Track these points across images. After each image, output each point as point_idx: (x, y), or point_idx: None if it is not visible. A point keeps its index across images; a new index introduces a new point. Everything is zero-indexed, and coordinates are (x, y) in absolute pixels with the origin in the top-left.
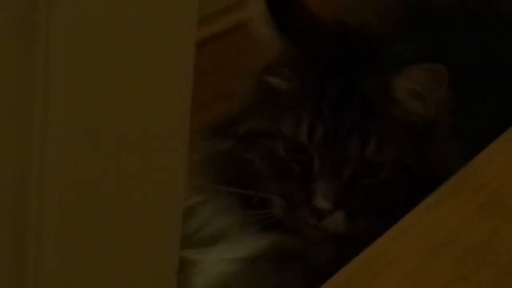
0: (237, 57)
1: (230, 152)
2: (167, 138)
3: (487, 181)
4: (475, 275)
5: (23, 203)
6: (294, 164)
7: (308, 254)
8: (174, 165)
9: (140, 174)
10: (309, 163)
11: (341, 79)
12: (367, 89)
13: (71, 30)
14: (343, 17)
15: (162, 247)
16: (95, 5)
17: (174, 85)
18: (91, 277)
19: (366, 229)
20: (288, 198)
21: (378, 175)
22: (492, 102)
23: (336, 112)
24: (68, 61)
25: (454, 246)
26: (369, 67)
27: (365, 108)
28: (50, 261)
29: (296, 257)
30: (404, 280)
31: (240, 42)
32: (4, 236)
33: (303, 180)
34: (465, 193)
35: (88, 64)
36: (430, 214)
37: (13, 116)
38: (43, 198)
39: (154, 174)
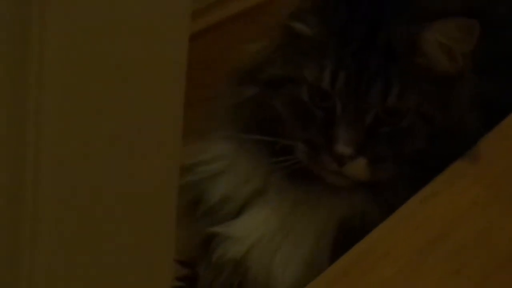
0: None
1: (255, 99)
2: (161, 136)
3: (482, 173)
4: (470, 268)
5: (18, 203)
6: (317, 109)
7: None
8: (167, 163)
9: (134, 172)
10: (332, 109)
11: (365, 25)
12: (392, 37)
13: (64, 24)
14: None
15: (157, 243)
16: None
17: (167, 82)
18: (85, 276)
19: (388, 178)
20: (310, 144)
21: (400, 123)
22: None
23: (359, 59)
24: (61, 56)
25: (450, 239)
26: (396, 15)
27: (389, 56)
28: (45, 260)
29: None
30: (400, 272)
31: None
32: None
33: (325, 126)
34: (460, 185)
35: (81, 60)
36: (425, 206)
37: (6, 116)
38: (38, 197)
39: (148, 171)
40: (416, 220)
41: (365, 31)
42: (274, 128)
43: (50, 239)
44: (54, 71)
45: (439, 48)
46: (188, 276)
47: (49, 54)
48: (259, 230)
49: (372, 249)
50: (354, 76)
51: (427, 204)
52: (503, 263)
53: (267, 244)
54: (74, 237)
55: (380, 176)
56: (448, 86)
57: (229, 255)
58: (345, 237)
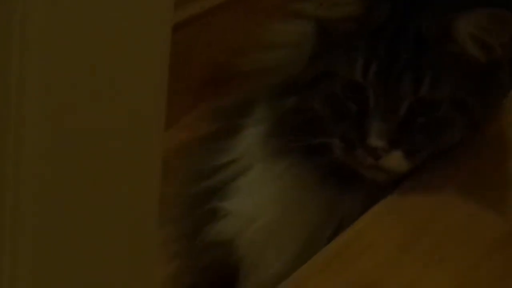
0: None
1: (295, 106)
2: (143, 125)
3: (465, 162)
4: (451, 260)
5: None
6: (351, 103)
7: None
8: (150, 148)
9: (116, 159)
10: (365, 102)
11: (396, 15)
12: (424, 26)
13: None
14: None
15: (140, 222)
16: None
17: (150, 69)
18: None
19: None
20: (346, 139)
21: (435, 113)
22: None
23: (390, 49)
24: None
25: (431, 230)
26: (428, 3)
27: (420, 45)
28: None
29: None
30: (383, 262)
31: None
32: None
33: (359, 120)
34: (443, 174)
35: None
36: (407, 198)
37: None
38: (19, 177)
39: (130, 157)
40: (398, 212)
41: (396, 20)
42: (312, 128)
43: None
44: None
45: (471, 38)
46: None
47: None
48: (260, 211)
49: (354, 240)
50: (386, 67)
51: (409, 196)
52: (484, 255)
53: (264, 226)
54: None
55: (417, 167)
56: (485, 74)
57: (223, 230)
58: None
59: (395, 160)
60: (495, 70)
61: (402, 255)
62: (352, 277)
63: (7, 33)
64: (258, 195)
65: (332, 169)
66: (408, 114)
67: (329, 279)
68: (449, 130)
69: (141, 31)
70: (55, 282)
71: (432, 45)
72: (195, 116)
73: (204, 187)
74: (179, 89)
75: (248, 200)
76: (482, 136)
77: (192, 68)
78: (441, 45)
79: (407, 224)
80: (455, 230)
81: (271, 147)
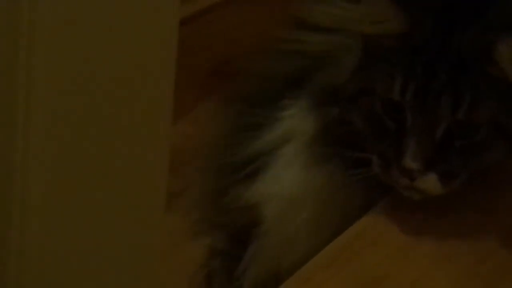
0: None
1: (338, 117)
2: (151, 118)
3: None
4: (460, 254)
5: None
6: (390, 122)
7: None
8: (158, 141)
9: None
10: (403, 122)
11: (437, 34)
12: (465, 47)
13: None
14: None
15: (146, 213)
16: None
17: (156, 65)
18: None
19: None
20: (383, 157)
21: (474, 136)
22: None
23: (430, 69)
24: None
25: (439, 227)
26: (470, 23)
27: (460, 66)
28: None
29: None
30: (387, 259)
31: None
32: None
33: (396, 139)
34: None
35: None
36: None
37: None
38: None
39: (138, 150)
40: (406, 208)
41: (438, 39)
42: (353, 142)
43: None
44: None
45: None
46: None
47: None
48: (288, 191)
49: (361, 234)
50: (424, 87)
51: None
52: (492, 250)
53: (290, 201)
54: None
55: (454, 190)
56: None
57: (251, 196)
58: None
59: (430, 183)
60: None
61: (409, 249)
62: (360, 270)
63: (15, 34)
64: (289, 182)
65: (371, 182)
66: (445, 136)
67: (336, 273)
68: (489, 154)
69: (148, 26)
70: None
71: (473, 66)
72: (203, 110)
73: (236, 170)
74: (185, 83)
75: (279, 184)
76: None
77: (199, 61)
78: (482, 67)
79: (413, 222)
80: (464, 226)
81: (313, 154)
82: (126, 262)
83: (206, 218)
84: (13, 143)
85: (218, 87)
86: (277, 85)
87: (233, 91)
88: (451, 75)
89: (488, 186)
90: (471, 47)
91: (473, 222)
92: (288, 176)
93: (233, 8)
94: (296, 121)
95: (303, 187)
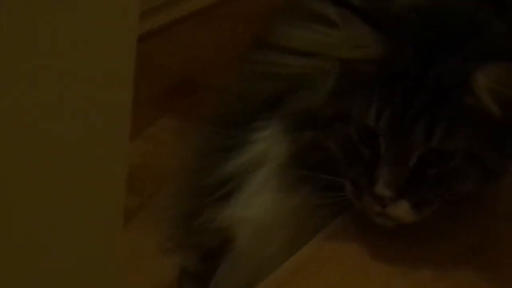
0: None
1: (313, 141)
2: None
3: None
4: (416, 272)
5: None
6: (365, 148)
7: None
8: (115, 157)
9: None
10: (377, 148)
11: (416, 61)
12: (444, 76)
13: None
14: None
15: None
16: None
17: (115, 81)
18: None
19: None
20: (356, 183)
21: (447, 165)
22: None
23: (406, 96)
24: None
25: (396, 244)
26: (449, 53)
27: (437, 95)
28: None
29: None
30: (345, 275)
31: None
32: None
33: (370, 166)
34: None
35: None
36: None
37: None
38: None
39: (96, 167)
40: (360, 226)
41: (416, 67)
42: (327, 166)
43: None
44: None
45: (489, 92)
46: None
47: None
48: (262, 215)
49: (317, 253)
50: (399, 114)
51: None
52: (449, 267)
53: (261, 225)
54: None
55: (425, 217)
56: (501, 127)
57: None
58: None
59: (402, 210)
60: (510, 123)
61: (365, 267)
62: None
63: None
64: (261, 207)
65: (344, 206)
66: (419, 164)
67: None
68: (461, 182)
69: (106, 42)
70: None
71: (450, 95)
72: (160, 127)
73: (209, 192)
74: (142, 100)
75: (250, 208)
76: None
77: (156, 79)
78: (459, 97)
79: (370, 237)
80: (417, 243)
81: (286, 177)
82: (86, 274)
83: (176, 237)
84: None
85: (174, 105)
86: (251, 106)
87: (207, 110)
88: (427, 104)
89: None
90: (449, 76)
91: (431, 242)
92: (260, 201)
93: (191, 25)
94: (269, 144)
95: (275, 211)
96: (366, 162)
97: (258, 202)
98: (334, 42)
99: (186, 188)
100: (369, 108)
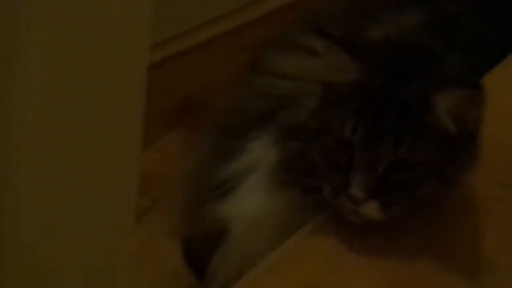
0: None
1: (299, 151)
2: (120, 148)
3: None
4: (382, 262)
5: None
6: (342, 157)
7: None
8: (128, 163)
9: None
10: (352, 157)
11: (386, 86)
12: (408, 97)
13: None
14: None
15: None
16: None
17: (128, 100)
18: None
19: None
20: (333, 186)
21: (411, 173)
22: None
23: (377, 115)
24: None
25: (365, 237)
26: (415, 78)
27: (403, 114)
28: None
29: None
30: (321, 267)
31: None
32: None
33: (345, 171)
34: None
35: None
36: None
37: None
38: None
39: (111, 173)
40: (335, 223)
41: (387, 90)
42: (310, 172)
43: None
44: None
45: (448, 114)
46: None
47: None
48: (254, 211)
49: (296, 247)
50: (371, 129)
51: None
52: (414, 254)
53: (254, 218)
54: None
55: (391, 215)
56: (457, 143)
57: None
58: None
59: (371, 209)
60: (465, 140)
61: (339, 258)
62: (296, 277)
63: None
64: (253, 205)
65: (321, 205)
66: (387, 171)
67: (277, 279)
68: (422, 188)
69: (120, 69)
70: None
71: (414, 115)
72: (168, 141)
73: (210, 190)
74: (154, 117)
75: (243, 206)
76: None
77: (165, 99)
78: (422, 116)
79: (346, 231)
80: (389, 236)
81: (275, 180)
82: (102, 264)
83: (181, 226)
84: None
85: (181, 122)
86: (248, 120)
87: (210, 123)
88: (395, 121)
89: (413, 211)
90: (414, 98)
91: (395, 237)
92: (252, 200)
93: (195, 55)
94: (262, 152)
95: (265, 209)
96: (342, 168)
97: (250, 201)
98: (317, 68)
99: (190, 188)
100: (346, 123)
